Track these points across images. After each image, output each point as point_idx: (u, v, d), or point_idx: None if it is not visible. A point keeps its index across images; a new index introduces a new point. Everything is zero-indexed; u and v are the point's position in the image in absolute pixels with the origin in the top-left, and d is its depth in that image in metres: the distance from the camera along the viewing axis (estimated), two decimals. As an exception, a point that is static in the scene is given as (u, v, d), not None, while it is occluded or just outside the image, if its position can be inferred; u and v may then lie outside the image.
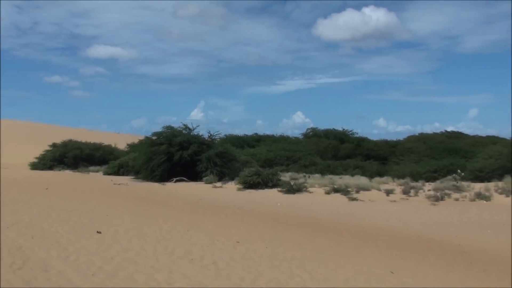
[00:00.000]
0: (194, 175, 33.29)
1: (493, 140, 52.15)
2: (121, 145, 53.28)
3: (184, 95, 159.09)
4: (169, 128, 36.34)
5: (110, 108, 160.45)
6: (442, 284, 9.21)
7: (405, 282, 9.13)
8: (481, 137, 58.14)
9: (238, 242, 11.99)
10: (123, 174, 38.68)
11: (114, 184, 29.91)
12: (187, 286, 7.96)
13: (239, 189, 28.08)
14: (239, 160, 35.48)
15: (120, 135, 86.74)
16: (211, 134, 37.77)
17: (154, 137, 36.20)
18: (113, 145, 52.98)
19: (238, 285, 8.19)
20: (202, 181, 32.11)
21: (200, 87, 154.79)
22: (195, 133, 36.56)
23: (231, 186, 29.64)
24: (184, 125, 36.97)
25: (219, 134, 40.47)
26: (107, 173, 39.74)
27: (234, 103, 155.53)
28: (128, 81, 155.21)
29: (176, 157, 33.43)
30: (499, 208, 22.13)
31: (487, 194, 25.02)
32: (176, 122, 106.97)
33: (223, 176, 32.48)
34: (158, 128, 36.80)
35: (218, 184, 30.69)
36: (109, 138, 64.58)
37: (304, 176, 31.35)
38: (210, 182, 30.97)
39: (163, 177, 33.05)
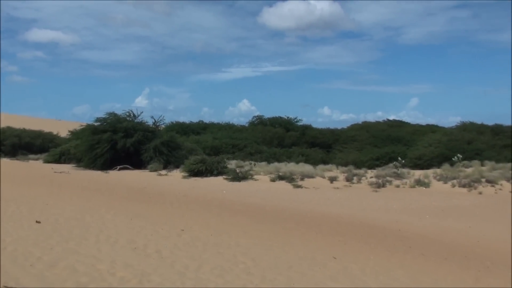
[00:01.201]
0: (138, 163, 32.80)
1: (432, 129, 53.90)
2: (63, 133, 51.76)
3: (128, 82, 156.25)
4: (113, 114, 35.58)
5: (50, 94, 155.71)
6: (382, 268, 9.44)
7: (347, 266, 9.30)
8: (421, 125, 59.90)
9: (183, 230, 11.89)
10: (64, 162, 37.61)
11: (55, 172, 29.06)
12: (130, 275, 7.82)
13: (184, 177, 27.87)
14: (184, 148, 35.18)
15: (62, 122, 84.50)
16: (155, 121, 37.25)
17: (97, 124, 35.33)
18: (54, 133, 51.42)
19: (182, 273, 8.11)
20: (146, 169, 31.69)
21: (145, 74, 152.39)
22: (140, 120, 35.98)
23: (176, 174, 29.38)
24: (128, 112, 36.32)
25: (163, 121, 39.99)
26: (47, 161, 38.54)
27: (180, 91, 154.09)
28: (69, 66, 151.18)
29: (120, 145, 32.80)
30: (438, 194, 22.94)
31: (426, 181, 25.87)
32: (120, 109, 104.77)
33: (168, 164, 32.13)
34: (101, 115, 35.96)
35: (163, 172, 30.37)
36: (50, 125, 62.74)
37: (250, 164, 31.41)
38: (155, 170, 30.61)
39: (106, 165, 32.40)
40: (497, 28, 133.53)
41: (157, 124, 37.35)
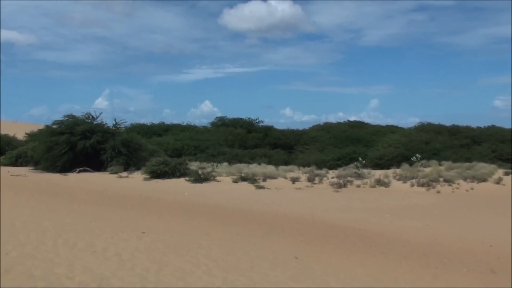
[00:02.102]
0: (98, 165, 32.27)
1: (392, 130, 54.96)
2: (20, 135, 50.46)
3: (87, 83, 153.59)
4: (71, 116, 34.91)
5: (6, 96, 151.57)
6: (343, 267, 9.53)
7: (308, 266, 9.36)
8: (381, 126, 60.97)
9: (144, 232, 11.74)
10: (21, 165, 36.61)
11: (12, 175, 28.29)
12: (89, 279, 7.66)
13: (145, 179, 27.57)
14: (146, 150, 34.80)
15: (19, 124, 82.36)
16: (115, 123, 36.69)
17: (55, 126, 34.58)
18: (10, 135, 50.04)
19: (143, 276, 8.00)
20: (106, 171, 31.19)
21: (105, 75, 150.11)
22: (99, 122, 35.40)
23: (138, 176, 29.03)
24: (87, 113, 35.69)
25: (124, 122, 39.48)
26: (3, 164, 37.41)
27: (141, 92, 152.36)
28: (26, 67, 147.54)
29: (78, 147, 32.19)
30: (397, 193, 23.35)
31: (386, 180, 26.31)
32: (79, 110, 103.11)
33: (128, 165, 31.71)
34: (60, 117, 35.27)
35: (124, 174, 29.95)
36: (6, 127, 61.07)
37: (212, 165, 31.32)
38: (115, 172, 30.16)
39: (65, 168, 31.75)
40: (453, 31, 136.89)
41: (117, 126, 36.80)
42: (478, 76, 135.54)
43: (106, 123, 35.95)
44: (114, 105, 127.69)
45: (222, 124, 57.04)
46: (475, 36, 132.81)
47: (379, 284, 8.50)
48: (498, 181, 25.84)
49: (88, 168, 31.78)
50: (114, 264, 8.66)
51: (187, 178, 26.95)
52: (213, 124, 58.61)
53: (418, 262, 10.59)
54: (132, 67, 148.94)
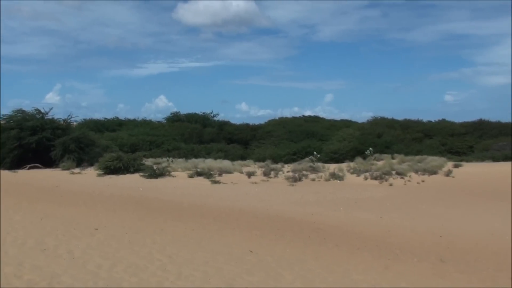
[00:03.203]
0: (49, 162, 31.46)
1: (346, 124, 55.79)
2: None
3: (37, 77, 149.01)
4: (20, 111, 33.95)
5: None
6: (297, 259, 9.62)
7: (263, 260, 9.39)
8: (335, 121, 61.83)
9: (97, 229, 11.53)
10: (-32, 162, 35.38)
11: (-43, 172, 27.31)
12: (38, 277, 7.47)
13: (99, 175, 27.07)
14: (99, 145, 34.15)
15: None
16: (67, 118, 35.85)
17: (3, 121, 33.52)
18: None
19: (95, 273, 7.86)
20: (58, 167, 30.47)
21: (56, 69, 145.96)
22: (50, 117, 34.50)
23: (91, 172, 28.47)
24: (36, 109, 34.77)
25: (76, 118, 38.61)
26: None
27: (94, 86, 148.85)
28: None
29: (28, 143, 31.32)
30: (351, 186, 23.72)
31: (340, 174, 26.67)
32: (29, 105, 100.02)
33: (81, 162, 31.06)
34: (8, 112, 34.19)
35: (76, 170, 29.33)
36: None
37: (167, 160, 31.02)
38: (68, 168, 29.50)
39: (15, 164, 30.84)
40: (405, 27, 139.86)
41: (69, 121, 35.97)
42: (429, 72, 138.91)
43: (58, 118, 35.13)
44: (65, 100, 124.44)
45: (177, 119, 56.57)
46: (426, 32, 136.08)
47: (332, 275, 8.61)
48: (448, 174, 26.57)
49: (39, 165, 30.96)
50: (65, 261, 8.47)
51: (141, 174, 26.61)
52: (168, 119, 58.05)
53: (371, 254, 10.79)
54: (84, 61, 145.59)
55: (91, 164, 30.50)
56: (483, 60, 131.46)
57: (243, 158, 38.48)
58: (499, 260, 10.49)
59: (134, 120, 56.32)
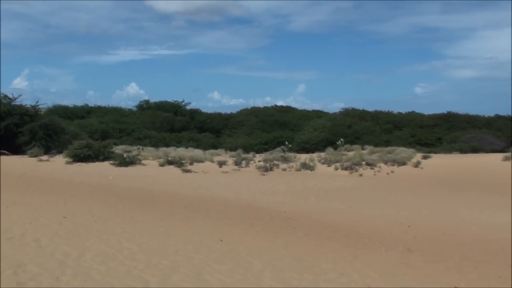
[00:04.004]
0: (17, 148, 30.85)
1: (318, 114, 56.05)
2: None
3: (4, 62, 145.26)
4: (-14, 97, 33.14)
5: None
6: (267, 248, 9.66)
7: (233, 249, 9.40)
8: (307, 111, 62.03)
9: (65, 217, 11.37)
10: None
11: None
12: (4, 265, 7.31)
13: (68, 163, 26.68)
14: (68, 132, 33.59)
15: None
16: (35, 104, 35.14)
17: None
18: None
19: (62, 261, 7.75)
20: (26, 154, 29.90)
21: (24, 53, 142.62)
22: (18, 103, 33.79)
23: (59, 160, 28.03)
24: (4, 94, 34.00)
25: (44, 104, 37.90)
26: None
27: (63, 72, 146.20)
28: None
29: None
30: (322, 176, 23.91)
31: (311, 164, 26.84)
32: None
33: (49, 149, 30.53)
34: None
35: (44, 157, 28.83)
36: None
37: (138, 149, 30.73)
38: (35, 156, 28.97)
39: (-20, 151, 30.15)
40: (377, 19, 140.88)
41: (37, 107, 35.28)
42: (400, 64, 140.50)
43: (26, 104, 34.43)
44: (34, 86, 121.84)
45: (148, 107, 56.03)
46: (398, 25, 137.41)
47: (301, 264, 8.67)
48: (417, 165, 26.97)
49: (6, 151, 30.33)
50: (32, 250, 8.34)
51: (111, 162, 26.32)
52: (139, 107, 57.44)
53: (340, 243, 10.91)
54: (54, 46, 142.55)
55: (60, 152, 30.02)
56: (452, 54, 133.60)
57: (214, 147, 38.30)
58: (464, 250, 10.72)
59: (104, 107, 55.50)
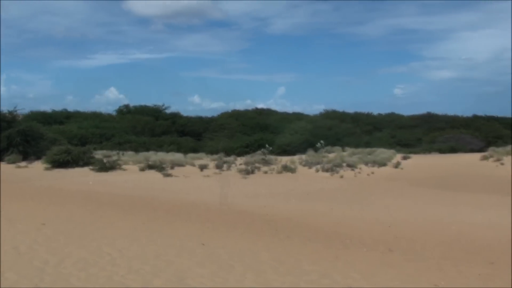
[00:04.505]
0: (-6, 155, 30.40)
1: (298, 117, 56.18)
2: None
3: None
4: (-37, 103, 32.59)
5: None
6: (249, 251, 9.64)
7: (215, 252, 9.37)
8: (288, 113, 62.15)
9: (44, 224, 11.24)
10: None
11: None
12: (-19, 274, 7.21)
13: (46, 169, 26.38)
14: (46, 138, 33.20)
15: None
16: (12, 110, 34.62)
17: None
18: None
19: (41, 269, 7.65)
20: (3, 161, 29.47)
21: (1, 59, 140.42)
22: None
23: (38, 166, 27.70)
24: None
25: (22, 110, 37.40)
26: None
27: (41, 77, 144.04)
28: None
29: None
30: (303, 179, 23.97)
31: (292, 166, 26.89)
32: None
33: (27, 155, 30.13)
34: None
35: (23, 163, 28.45)
36: None
37: (118, 154, 30.49)
38: (13, 162, 28.58)
39: (-44, 158, 29.64)
40: (356, 21, 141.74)
41: (14, 113, 34.77)
42: (379, 66, 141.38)
43: (3, 110, 33.94)
44: (11, 91, 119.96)
45: (127, 111, 55.63)
46: (376, 27, 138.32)
47: (282, 266, 8.67)
48: (397, 165, 27.19)
49: (-17, 158, 29.87)
50: (10, 257, 8.22)
51: (91, 167, 26.08)
52: (118, 111, 56.99)
53: (322, 244, 10.94)
54: (31, 51, 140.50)
55: (38, 158, 29.66)
56: (430, 55, 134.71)
57: (195, 151, 38.16)
58: (444, 248, 10.82)
59: (84, 112, 54.93)
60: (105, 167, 25.60)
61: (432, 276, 8.56)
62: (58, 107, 61.94)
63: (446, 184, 22.50)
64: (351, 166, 26.78)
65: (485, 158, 27.15)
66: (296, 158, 30.01)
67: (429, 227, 13.22)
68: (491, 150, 28.43)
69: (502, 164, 25.80)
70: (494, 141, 39.85)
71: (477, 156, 28.23)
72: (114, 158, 28.17)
